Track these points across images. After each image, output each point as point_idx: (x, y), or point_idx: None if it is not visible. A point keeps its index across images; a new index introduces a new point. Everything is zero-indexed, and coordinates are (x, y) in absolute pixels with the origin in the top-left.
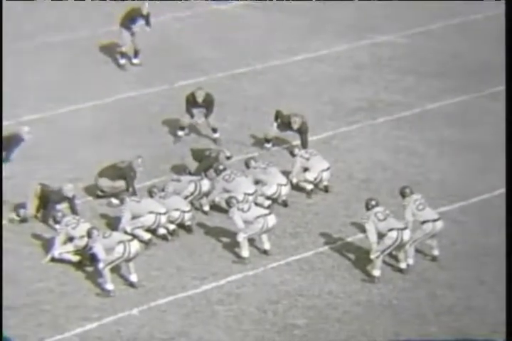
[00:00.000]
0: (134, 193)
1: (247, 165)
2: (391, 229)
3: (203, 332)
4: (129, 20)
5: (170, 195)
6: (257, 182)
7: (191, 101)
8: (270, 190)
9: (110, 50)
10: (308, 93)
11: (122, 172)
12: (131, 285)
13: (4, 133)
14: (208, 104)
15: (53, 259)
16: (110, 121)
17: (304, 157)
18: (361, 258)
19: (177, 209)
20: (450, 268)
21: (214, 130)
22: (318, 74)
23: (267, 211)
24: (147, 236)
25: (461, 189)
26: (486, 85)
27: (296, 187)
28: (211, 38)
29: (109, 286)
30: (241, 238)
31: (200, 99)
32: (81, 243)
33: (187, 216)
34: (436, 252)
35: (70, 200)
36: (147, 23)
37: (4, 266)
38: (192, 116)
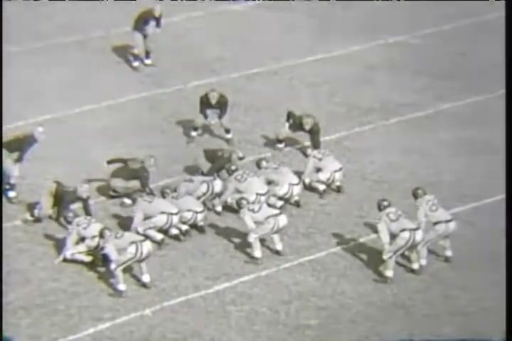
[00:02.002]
0: (151, 193)
1: (259, 166)
2: (403, 230)
3: (216, 333)
4: (141, 23)
5: (182, 196)
6: (269, 182)
7: (205, 103)
8: (282, 190)
9: (123, 51)
10: (321, 94)
11: (136, 173)
12: (144, 285)
13: (18, 133)
14: (222, 106)
15: (65, 260)
16: (123, 122)
17: (316, 157)
18: (374, 258)
19: (189, 210)
20: (463, 269)
21: (227, 131)
22: (331, 74)
23: (277, 211)
24: (159, 236)
25: (475, 190)
26: (498, 86)
27: (308, 188)
28: (224, 39)
29: (122, 287)
30: (252, 238)
31: (213, 101)
32: (93, 243)
33: (199, 216)
34: (449, 253)
35: (84, 201)
36: (157, 24)
37: (17, 266)
38: (206, 117)
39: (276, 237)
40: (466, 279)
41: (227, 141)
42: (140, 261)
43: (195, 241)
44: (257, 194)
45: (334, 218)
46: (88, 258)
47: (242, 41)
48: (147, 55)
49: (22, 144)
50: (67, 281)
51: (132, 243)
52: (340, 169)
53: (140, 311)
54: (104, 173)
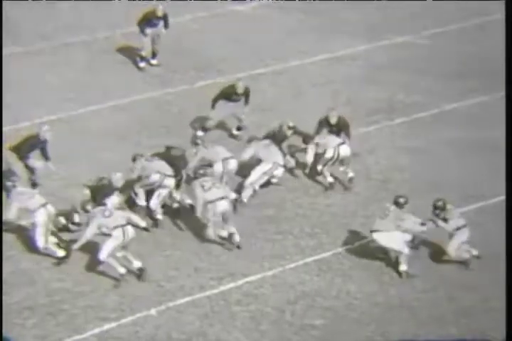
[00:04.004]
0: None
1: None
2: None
3: (221, 333)
4: (145, 23)
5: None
6: (258, 161)
7: (230, 93)
8: (266, 166)
9: (129, 51)
10: (327, 94)
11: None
12: (140, 273)
13: (24, 134)
14: (247, 96)
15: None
16: (129, 122)
17: (313, 143)
18: (379, 258)
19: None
20: (469, 270)
21: (239, 128)
22: (337, 74)
23: (221, 195)
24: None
25: (480, 190)
26: (502, 86)
27: (315, 188)
28: (229, 39)
29: (121, 270)
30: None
31: (240, 91)
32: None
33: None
34: (475, 252)
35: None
36: (165, 24)
37: (22, 266)
38: (214, 107)
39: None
40: (471, 280)
41: (235, 136)
42: (123, 246)
43: (200, 241)
44: (223, 159)
45: (339, 218)
46: (61, 253)
47: (246, 41)
48: (154, 55)
49: (26, 144)
50: (71, 281)
51: (116, 227)
52: (343, 143)
53: (145, 311)
54: (110, 173)
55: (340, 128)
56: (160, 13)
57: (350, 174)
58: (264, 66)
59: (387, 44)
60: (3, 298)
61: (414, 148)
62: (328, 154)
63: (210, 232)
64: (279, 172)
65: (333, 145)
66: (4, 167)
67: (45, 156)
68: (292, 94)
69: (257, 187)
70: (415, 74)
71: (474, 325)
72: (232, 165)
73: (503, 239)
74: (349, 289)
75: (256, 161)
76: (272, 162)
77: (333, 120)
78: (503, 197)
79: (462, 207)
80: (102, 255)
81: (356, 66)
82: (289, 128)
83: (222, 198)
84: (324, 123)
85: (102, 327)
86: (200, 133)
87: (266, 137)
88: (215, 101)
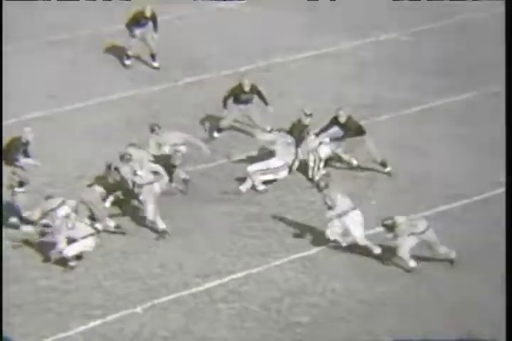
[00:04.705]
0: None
1: None
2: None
3: (206, 330)
4: (133, 24)
5: None
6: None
7: (238, 92)
8: (276, 163)
9: (114, 49)
10: (312, 90)
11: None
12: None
13: (6, 137)
14: (258, 93)
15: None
16: (114, 119)
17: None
18: (364, 256)
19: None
20: (453, 267)
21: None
22: (322, 71)
23: (153, 180)
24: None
25: (465, 187)
26: (489, 83)
27: (299, 185)
28: (215, 36)
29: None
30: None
31: (247, 88)
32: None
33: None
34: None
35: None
36: (155, 26)
37: (9, 264)
38: (225, 106)
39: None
40: (457, 277)
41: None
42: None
43: (185, 238)
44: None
45: (324, 215)
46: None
47: (232, 38)
48: (153, 57)
49: (13, 149)
50: (58, 279)
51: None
52: (322, 143)
53: (130, 308)
54: (95, 171)
55: (350, 128)
56: (148, 14)
57: (355, 162)
58: (250, 63)
59: (372, 41)
60: None
61: (400, 144)
62: (310, 158)
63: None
64: (284, 173)
65: (312, 147)
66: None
67: (27, 156)
68: (277, 91)
69: (256, 181)
70: (401, 70)
71: (458, 322)
72: (183, 150)
73: (485, 236)
74: (334, 286)
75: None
76: (285, 161)
77: (342, 119)
78: (487, 194)
79: (447, 204)
80: (69, 252)
81: (342, 63)
82: (306, 115)
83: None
84: (334, 122)
85: (87, 324)
86: (216, 134)
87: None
88: (224, 100)
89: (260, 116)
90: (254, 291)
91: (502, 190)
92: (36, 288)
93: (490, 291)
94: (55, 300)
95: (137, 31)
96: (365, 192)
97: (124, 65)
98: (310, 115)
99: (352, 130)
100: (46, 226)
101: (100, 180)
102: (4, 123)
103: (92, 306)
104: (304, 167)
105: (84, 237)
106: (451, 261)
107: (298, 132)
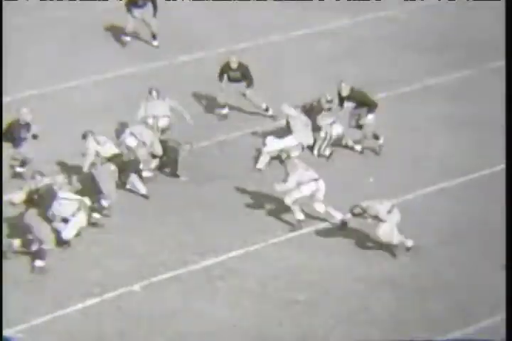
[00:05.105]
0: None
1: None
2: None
3: (204, 308)
4: (131, 4)
5: None
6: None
7: (226, 69)
8: (291, 142)
9: (112, 27)
10: (308, 69)
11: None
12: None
13: (7, 122)
14: (244, 72)
15: None
16: (112, 97)
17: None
18: (362, 234)
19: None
20: (451, 244)
21: (267, 109)
22: (319, 49)
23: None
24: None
25: (462, 165)
26: (487, 60)
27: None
28: (212, 14)
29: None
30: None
31: (234, 65)
32: None
33: None
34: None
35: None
36: (154, 7)
37: (6, 241)
38: (221, 80)
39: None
40: (454, 254)
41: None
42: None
43: (183, 216)
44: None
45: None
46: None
47: (229, 17)
48: (154, 37)
49: (12, 133)
50: (55, 257)
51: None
52: (334, 122)
53: (128, 286)
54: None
55: (356, 100)
56: None
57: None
58: (246, 41)
59: (369, 19)
60: None
61: (397, 122)
62: (321, 134)
63: None
64: (296, 154)
65: (324, 124)
66: None
67: (34, 137)
68: (273, 70)
69: (264, 160)
70: (397, 48)
71: (455, 299)
72: (162, 123)
73: (483, 213)
74: (332, 264)
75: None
76: (299, 141)
77: (345, 92)
78: (484, 172)
79: (444, 181)
80: (67, 235)
81: (338, 41)
82: (327, 101)
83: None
84: (339, 97)
85: (85, 302)
86: (225, 111)
87: (304, 107)
88: (219, 77)
89: (257, 95)
90: (251, 269)
91: (500, 167)
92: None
93: (487, 268)
94: (53, 278)
95: (136, 12)
96: (363, 170)
97: (122, 42)
98: (330, 101)
99: (360, 102)
100: None
101: (113, 158)
102: None
103: (90, 284)
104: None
105: (73, 215)
106: (406, 249)
107: (315, 114)
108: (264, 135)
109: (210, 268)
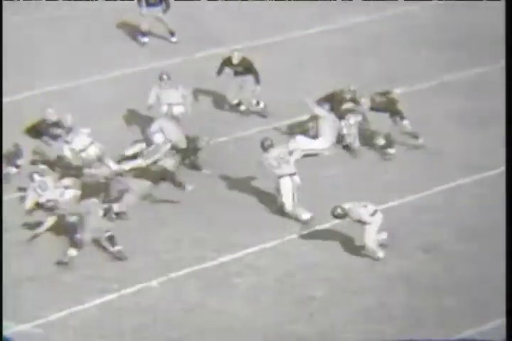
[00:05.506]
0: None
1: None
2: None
3: (221, 304)
4: (143, 2)
5: None
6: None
7: (226, 64)
8: (322, 145)
9: (128, 23)
10: (326, 65)
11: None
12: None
13: (30, 122)
14: (248, 68)
15: None
16: (128, 93)
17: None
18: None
19: None
20: (467, 241)
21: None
22: (336, 46)
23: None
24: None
25: (478, 161)
26: (503, 56)
27: (314, 159)
28: (229, 10)
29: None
30: None
31: (235, 61)
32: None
33: None
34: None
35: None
36: (167, 6)
37: (21, 237)
38: (219, 73)
39: None
40: (471, 251)
41: (262, 111)
42: None
43: (200, 212)
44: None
45: (340, 190)
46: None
47: (246, 13)
48: (171, 33)
49: (39, 130)
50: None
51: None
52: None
53: (146, 282)
54: (110, 145)
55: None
56: None
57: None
58: (264, 37)
59: (388, 15)
60: (3, 268)
61: (414, 118)
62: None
63: None
64: (326, 153)
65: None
66: (9, 149)
67: (56, 138)
68: (291, 66)
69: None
70: (415, 45)
71: (473, 297)
72: (176, 110)
73: (499, 210)
74: (348, 260)
75: None
76: (330, 143)
77: (366, 106)
78: (501, 169)
79: (461, 178)
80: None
81: (356, 37)
82: (350, 90)
83: None
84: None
85: (103, 298)
86: (243, 107)
87: (325, 97)
88: (218, 70)
89: (253, 92)
90: (268, 265)
91: None
92: (50, 261)
93: (504, 265)
94: (70, 274)
95: (146, 10)
96: (378, 166)
97: (138, 40)
98: (354, 91)
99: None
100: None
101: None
102: (19, 96)
103: (107, 280)
104: None
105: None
106: (376, 259)
107: (337, 102)
108: (281, 133)
109: (228, 264)
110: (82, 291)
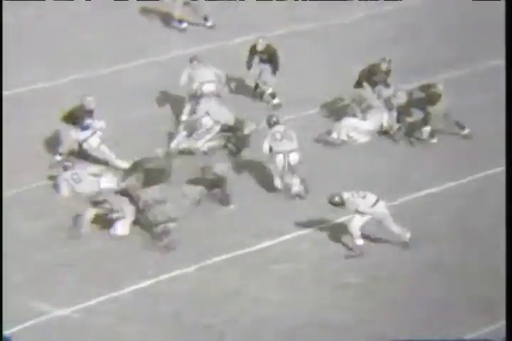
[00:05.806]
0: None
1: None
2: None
3: (258, 291)
4: None
5: None
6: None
7: (252, 51)
8: (369, 126)
9: (164, 9)
10: (351, 54)
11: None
12: None
13: (70, 108)
14: (271, 56)
15: None
16: (166, 77)
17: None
18: (414, 217)
19: None
20: (500, 228)
21: (273, 95)
22: (360, 36)
23: None
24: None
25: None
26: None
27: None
28: None
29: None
30: None
31: (260, 48)
32: None
33: None
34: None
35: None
36: None
37: (61, 224)
38: (250, 67)
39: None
40: (503, 239)
41: (274, 106)
42: None
43: (239, 199)
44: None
45: (380, 178)
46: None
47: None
48: (205, 19)
49: (76, 117)
50: (110, 239)
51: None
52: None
53: (184, 268)
54: (141, 133)
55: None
56: None
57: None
58: (283, 27)
59: (413, 4)
60: (40, 254)
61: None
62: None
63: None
64: (365, 140)
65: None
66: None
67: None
68: (307, 57)
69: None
70: (441, 35)
71: (502, 283)
72: (207, 88)
73: (503, 208)
74: (381, 248)
75: None
76: (374, 128)
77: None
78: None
79: (496, 167)
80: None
81: (391, 24)
82: (385, 61)
83: None
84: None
85: (140, 284)
86: (275, 101)
87: (363, 73)
88: (247, 62)
89: (271, 79)
90: (305, 252)
91: None
92: (89, 248)
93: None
94: (107, 260)
95: None
96: (406, 158)
97: (179, 29)
98: (389, 61)
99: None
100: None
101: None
102: (48, 84)
103: (144, 266)
104: None
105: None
106: (404, 245)
107: (377, 78)
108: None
109: (265, 250)
110: (119, 277)
